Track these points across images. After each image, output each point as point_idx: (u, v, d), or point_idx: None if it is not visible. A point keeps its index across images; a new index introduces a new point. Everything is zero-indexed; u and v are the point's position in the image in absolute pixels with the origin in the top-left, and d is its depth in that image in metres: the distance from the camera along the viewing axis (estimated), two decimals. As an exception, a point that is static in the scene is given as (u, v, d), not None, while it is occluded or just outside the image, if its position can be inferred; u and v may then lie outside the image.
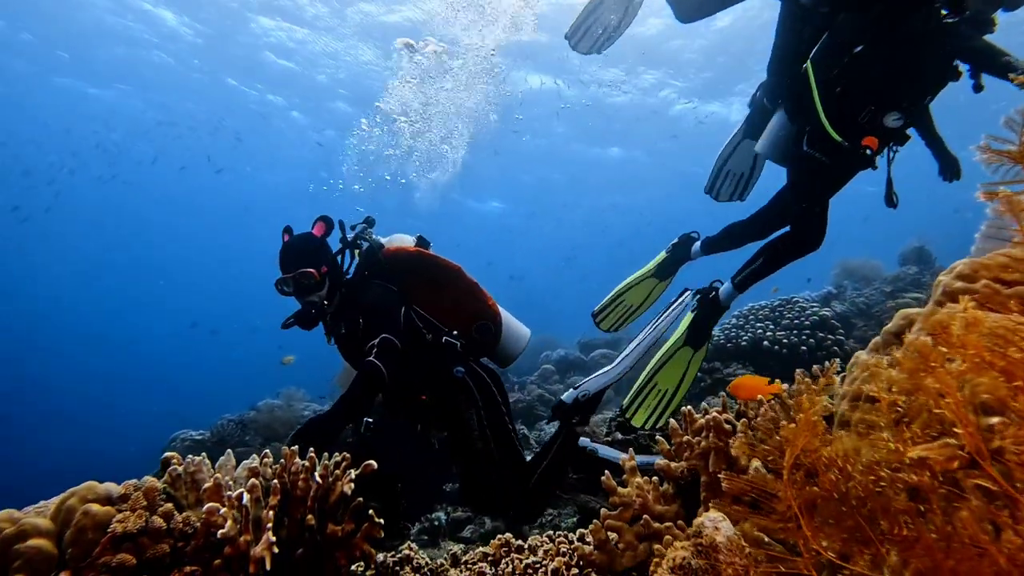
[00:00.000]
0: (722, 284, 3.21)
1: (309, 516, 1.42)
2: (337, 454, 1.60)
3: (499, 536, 1.97)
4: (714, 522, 0.73)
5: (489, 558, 1.91)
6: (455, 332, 2.85)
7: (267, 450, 1.64)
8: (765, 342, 5.38)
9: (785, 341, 5.30)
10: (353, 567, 1.62)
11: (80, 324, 40.00)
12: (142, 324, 40.87)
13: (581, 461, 3.05)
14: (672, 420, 1.58)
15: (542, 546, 1.88)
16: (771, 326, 5.52)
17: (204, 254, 37.17)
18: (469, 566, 1.89)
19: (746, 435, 1.41)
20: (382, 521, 1.43)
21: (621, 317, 3.82)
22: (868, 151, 2.30)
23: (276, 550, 1.30)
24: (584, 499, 3.95)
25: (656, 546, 1.32)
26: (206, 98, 18.66)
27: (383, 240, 3.04)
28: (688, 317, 3.28)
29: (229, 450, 1.71)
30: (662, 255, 3.63)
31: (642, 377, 3.37)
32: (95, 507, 1.40)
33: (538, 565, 1.74)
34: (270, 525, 1.32)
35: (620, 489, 1.51)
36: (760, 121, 3.17)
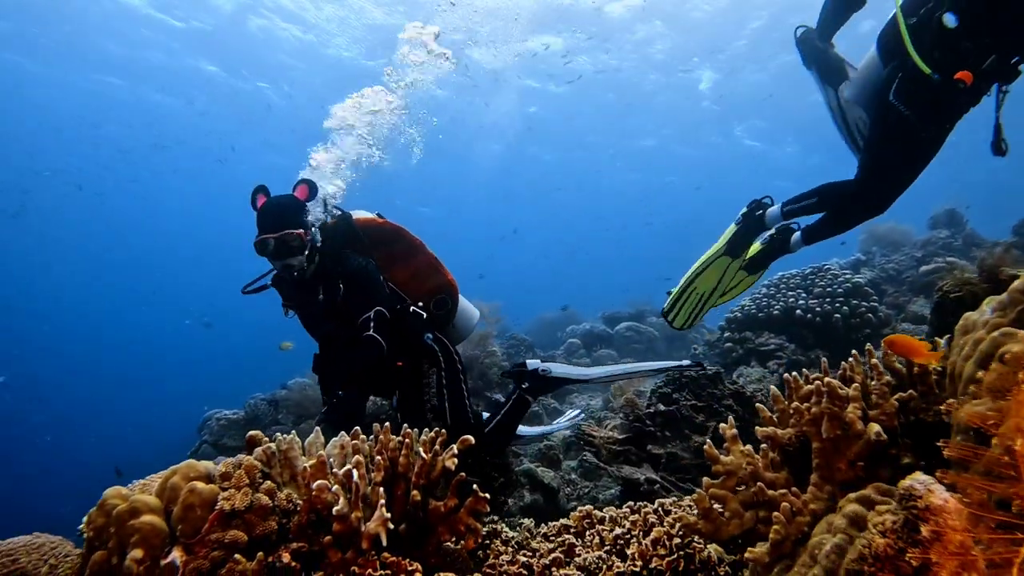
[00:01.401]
0: (772, 204, 3.16)
1: (415, 492, 1.41)
2: (429, 430, 1.58)
3: (580, 508, 1.96)
4: (925, 484, 0.70)
5: (572, 530, 1.91)
6: (420, 303, 2.98)
7: (357, 428, 1.62)
8: (798, 311, 5.33)
9: (818, 309, 5.25)
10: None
11: (78, 324, 40.02)
12: (143, 323, 40.97)
13: (537, 382, 3.20)
14: (773, 387, 1.55)
15: (627, 517, 1.87)
16: (803, 294, 5.47)
17: (205, 250, 37.19)
18: (552, 538, 1.88)
19: (859, 401, 1.38)
20: (487, 496, 1.42)
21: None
22: (961, 85, 2.18)
23: (391, 526, 1.29)
24: (628, 471, 3.96)
25: (775, 514, 1.30)
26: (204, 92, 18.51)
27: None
28: (731, 228, 3.28)
29: (317, 428, 1.69)
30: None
31: (681, 283, 3.43)
32: (200, 485, 1.39)
33: (628, 536, 1.73)
34: (382, 502, 1.31)
35: (723, 457, 1.49)
36: (827, 65, 3.09)
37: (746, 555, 1.30)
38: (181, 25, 15.01)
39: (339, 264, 2.76)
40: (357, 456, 1.39)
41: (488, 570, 1.56)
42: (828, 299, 5.31)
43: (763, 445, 1.47)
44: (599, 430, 4.20)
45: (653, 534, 1.57)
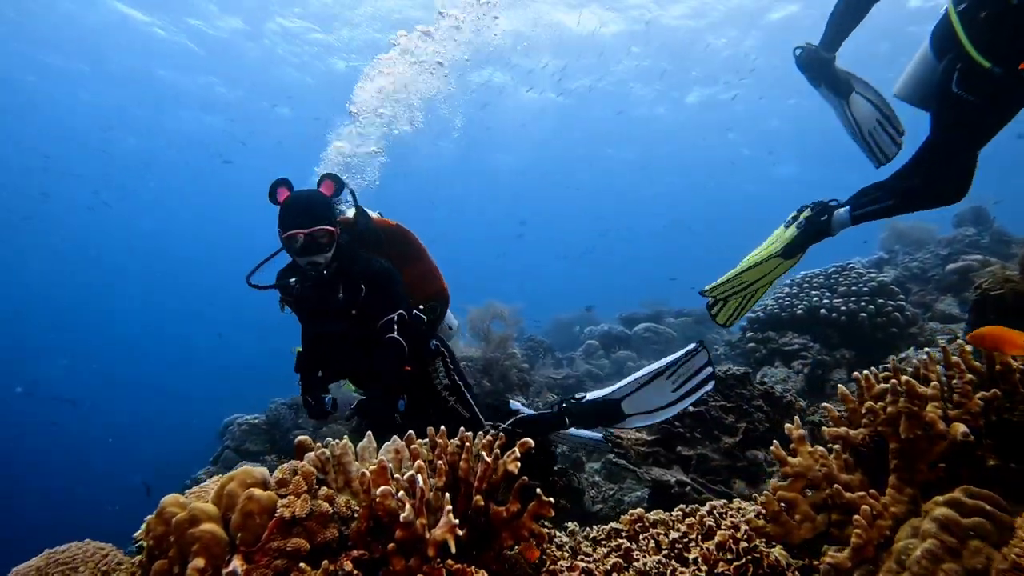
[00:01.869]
0: (837, 207, 2.93)
1: (478, 497, 1.37)
2: (483, 434, 1.54)
3: (630, 512, 1.92)
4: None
5: (624, 534, 1.86)
6: (421, 307, 2.96)
7: (411, 432, 1.58)
8: (822, 310, 5.26)
9: (843, 308, 5.17)
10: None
11: (83, 329, 40.09)
12: (153, 330, 41.06)
13: (573, 411, 3.20)
14: (841, 386, 1.51)
15: (680, 521, 1.82)
16: (827, 294, 5.40)
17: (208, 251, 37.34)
18: (604, 543, 1.84)
19: (938, 400, 1.33)
20: (552, 500, 1.38)
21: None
22: None
23: (460, 532, 1.25)
24: (658, 473, 3.90)
25: (855, 517, 1.25)
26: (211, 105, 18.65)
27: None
28: (791, 232, 3.06)
29: (369, 432, 1.66)
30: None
31: (731, 272, 3.27)
32: (258, 491, 1.35)
33: (686, 540, 1.68)
34: (448, 508, 1.27)
35: (791, 459, 1.44)
36: (835, 79, 3.03)
37: (826, 559, 1.25)
38: (189, 38, 15.14)
39: (358, 263, 2.70)
40: (418, 461, 1.36)
41: (548, 576, 1.52)
42: (853, 298, 5.23)
43: (835, 446, 1.42)
44: (627, 431, 4.14)
45: (717, 537, 1.53)
